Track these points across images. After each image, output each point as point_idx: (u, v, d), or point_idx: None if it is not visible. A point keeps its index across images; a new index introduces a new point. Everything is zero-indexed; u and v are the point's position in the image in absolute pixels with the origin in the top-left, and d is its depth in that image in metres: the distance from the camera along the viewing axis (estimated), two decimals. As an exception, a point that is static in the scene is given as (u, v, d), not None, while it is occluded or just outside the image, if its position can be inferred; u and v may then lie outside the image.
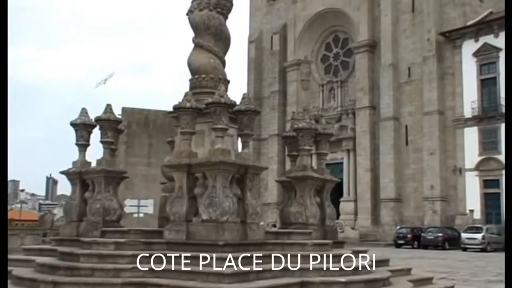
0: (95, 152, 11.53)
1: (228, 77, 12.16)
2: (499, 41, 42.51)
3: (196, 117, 10.03)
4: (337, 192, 46.06)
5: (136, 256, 8.76)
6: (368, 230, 47.07)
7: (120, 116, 15.59)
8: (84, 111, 11.25)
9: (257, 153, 57.67)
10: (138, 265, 8.54)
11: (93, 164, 11.11)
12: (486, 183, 42.63)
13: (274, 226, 30.72)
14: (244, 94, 10.24)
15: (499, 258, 29.17)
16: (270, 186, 54.19)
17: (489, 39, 43.23)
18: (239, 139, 10.66)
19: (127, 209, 22.24)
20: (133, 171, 24.31)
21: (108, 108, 11.04)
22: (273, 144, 56.89)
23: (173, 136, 11.82)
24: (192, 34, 12.20)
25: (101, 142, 11.00)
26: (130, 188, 24.01)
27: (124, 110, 25.89)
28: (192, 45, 12.13)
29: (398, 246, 39.54)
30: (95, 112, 11.18)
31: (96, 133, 11.26)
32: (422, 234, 39.69)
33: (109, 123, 10.91)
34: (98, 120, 10.91)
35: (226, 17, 12.06)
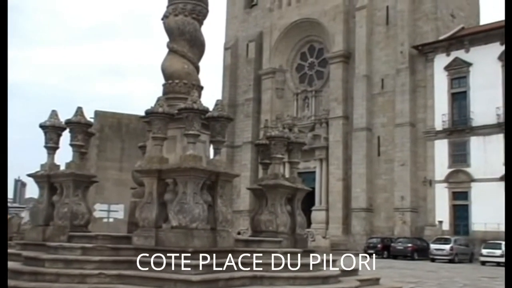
0: (65, 155, 11.38)
1: (203, 83, 12.13)
2: (470, 56, 43.32)
3: (168, 123, 9.96)
4: (309, 201, 46.24)
5: (103, 262, 8.64)
6: (339, 240, 47.30)
7: (92, 119, 15.42)
8: (54, 113, 11.10)
9: (231, 160, 57.57)
10: (105, 271, 8.41)
11: (62, 168, 10.96)
12: (455, 195, 43.24)
13: (239, 233, 30.61)
14: (217, 100, 10.23)
15: (466, 269, 29.57)
16: (242, 193, 54.12)
17: (460, 53, 43.97)
18: (211, 146, 10.63)
19: (97, 214, 21.98)
20: (105, 175, 24.06)
21: (79, 111, 10.91)
22: (246, 151, 56.90)
23: (145, 141, 11.74)
24: (167, 39, 12.15)
25: (71, 145, 10.86)
26: (101, 192, 23.75)
27: (97, 113, 25.64)
28: (167, 50, 12.08)
29: (369, 255, 39.80)
30: (67, 115, 11.05)
31: (66, 136, 11.12)
32: (392, 244, 40.02)
33: (79, 126, 10.77)
34: (68, 122, 10.78)
35: (201, 23, 12.04)
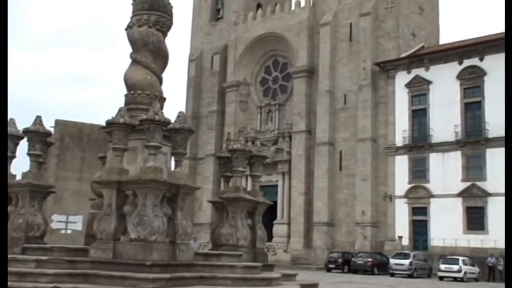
0: (23, 165, 11.14)
1: (167, 95, 12.06)
2: (430, 74, 44.26)
3: (129, 134, 9.87)
4: (271, 214, 46.27)
5: (58, 275, 8.45)
6: (300, 254, 47.40)
7: (52, 129, 15.13)
8: (11, 122, 10.86)
9: (193, 172, 57.26)
10: (59, 284, 8.23)
11: (18, 177, 10.72)
12: (414, 210, 43.86)
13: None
14: (180, 112, 10.19)
15: (424, 284, 29.96)
16: (204, 206, 53.81)
17: (421, 71, 44.87)
18: (173, 158, 10.56)
19: (54, 225, 21.55)
20: (64, 186, 23.64)
21: (38, 119, 10.72)
22: (209, 163, 56.68)
23: (106, 151, 11.59)
24: (130, 49, 12.06)
25: (28, 154, 10.65)
26: (59, 203, 23.30)
27: (58, 122, 25.21)
28: (130, 61, 11.99)
29: (329, 270, 39.96)
30: (27, 124, 10.83)
31: (23, 145, 10.90)
32: (353, 259, 40.24)
33: (37, 135, 10.58)
34: (26, 131, 10.57)
35: (165, 35, 12.00)
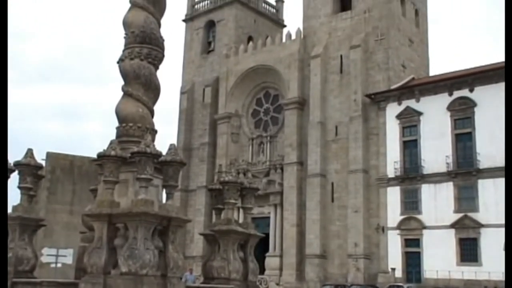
0: (13, 198, 11.06)
1: (159, 127, 12.09)
2: (420, 105, 44.58)
3: (120, 166, 9.85)
4: (263, 246, 45.95)
5: (47, 309, 8.32)
6: (293, 286, 46.91)
7: (43, 161, 15.06)
8: (2, 155, 10.80)
9: (185, 204, 56.95)
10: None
11: (9, 210, 10.63)
12: (407, 242, 43.65)
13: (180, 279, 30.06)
14: (171, 145, 10.20)
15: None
16: (196, 239, 53.40)
17: (411, 103, 45.20)
18: (164, 190, 10.53)
19: (44, 259, 21.28)
20: (54, 219, 23.45)
21: (29, 152, 10.70)
22: (200, 196, 56.44)
23: (97, 184, 11.54)
24: (122, 82, 12.12)
25: (19, 187, 10.58)
26: (49, 236, 23.08)
27: (49, 155, 25.13)
28: (122, 93, 12.03)
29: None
30: (18, 156, 10.79)
31: (14, 178, 10.83)
32: (345, 291, 39.89)
33: (28, 168, 10.54)
34: (17, 164, 10.53)
35: (157, 68, 12.09)
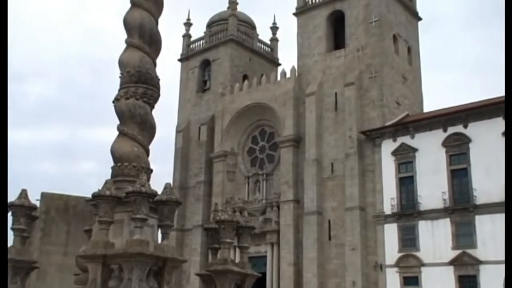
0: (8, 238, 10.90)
1: (155, 166, 12.05)
2: (415, 141, 44.71)
3: (115, 206, 9.77)
4: (260, 286, 45.32)
5: None
6: (291, 326, 46.13)
7: (38, 201, 14.94)
8: (-5, 196, 10.70)
9: (181, 244, 56.43)
10: None
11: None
12: (405, 280, 43.14)
13: None
14: (166, 184, 10.14)
15: None
16: (192, 279, 52.67)
17: (406, 139, 45.33)
18: (159, 230, 10.42)
19: (37, 302, 20.88)
20: (48, 260, 23.11)
21: (23, 193, 10.61)
22: (196, 235, 55.95)
23: (92, 224, 11.42)
24: (117, 121, 12.12)
25: (12, 229, 10.46)
26: (43, 278, 22.71)
27: (44, 195, 24.92)
28: (117, 132, 12.02)
29: None
30: (12, 197, 10.69)
31: (8, 219, 10.70)
32: (344, 331, 39.24)
33: (22, 209, 10.44)
34: (11, 205, 10.42)
35: (152, 107, 12.12)
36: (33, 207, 10.88)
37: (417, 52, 55.69)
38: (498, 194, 35.72)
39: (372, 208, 46.00)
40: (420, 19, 56.93)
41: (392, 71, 50.46)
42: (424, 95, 55.40)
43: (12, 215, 10.50)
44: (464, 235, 40.88)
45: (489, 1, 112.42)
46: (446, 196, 42.07)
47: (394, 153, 45.53)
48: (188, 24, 66.05)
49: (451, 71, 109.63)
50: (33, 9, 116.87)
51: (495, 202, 37.02)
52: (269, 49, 66.98)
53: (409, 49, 54.08)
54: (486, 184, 39.81)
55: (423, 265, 41.90)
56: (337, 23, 53.28)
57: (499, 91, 35.51)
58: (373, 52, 49.64)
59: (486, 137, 40.70)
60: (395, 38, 51.83)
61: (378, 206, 45.45)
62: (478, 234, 40.03)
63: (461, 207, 41.34)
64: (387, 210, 44.67)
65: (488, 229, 38.90)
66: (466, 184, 41.86)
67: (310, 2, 55.18)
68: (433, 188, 42.51)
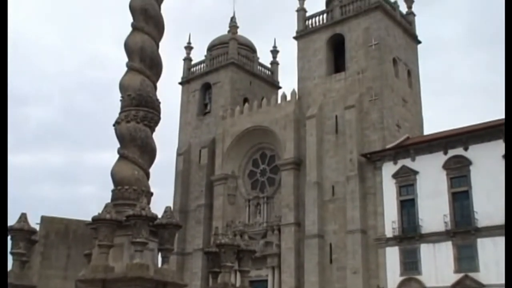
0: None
1: (155, 189, 12.03)
2: (416, 164, 44.65)
3: (115, 230, 9.74)
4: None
5: None
6: None
7: (37, 225, 14.89)
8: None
9: (181, 268, 56.04)
10: None
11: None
12: (408, 303, 42.77)
13: None
14: (167, 207, 10.12)
15: None
16: (192, 303, 52.26)
17: (407, 162, 45.28)
18: (160, 254, 10.37)
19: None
20: (47, 285, 22.91)
21: (23, 217, 10.58)
22: (197, 259, 55.60)
23: (92, 248, 11.36)
24: (118, 145, 12.13)
25: (11, 253, 10.39)
26: (42, 303, 22.50)
27: (43, 218, 24.81)
28: (117, 156, 12.03)
29: None
30: (11, 221, 10.65)
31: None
32: None
33: (21, 233, 10.40)
34: (10, 229, 10.37)
35: (153, 130, 12.15)
36: (33, 231, 10.84)
37: (417, 75, 55.97)
38: (499, 217, 35.51)
39: (373, 231, 45.78)
40: (419, 42, 57.33)
41: (392, 94, 50.64)
42: (424, 117, 55.56)
43: (12, 239, 10.45)
44: (466, 259, 40.60)
45: (487, 25, 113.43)
46: (448, 219, 41.89)
47: (395, 175, 45.45)
48: (189, 48, 66.52)
49: (451, 93, 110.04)
50: (34, 34, 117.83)
51: (497, 225, 36.82)
52: (269, 72, 67.34)
53: (409, 72, 54.35)
54: (487, 207, 39.68)
55: (426, 288, 41.51)
56: (337, 46, 53.64)
57: (499, 114, 35.57)
58: (373, 75, 49.88)
59: (486, 160, 40.67)
60: (395, 61, 52.13)
61: (380, 229, 45.23)
62: (480, 258, 39.75)
63: (463, 230, 41.12)
64: (389, 233, 44.43)
65: (490, 252, 38.64)
66: (468, 207, 41.71)
67: (310, 26, 55.62)
68: (434, 211, 42.34)
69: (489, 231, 39.15)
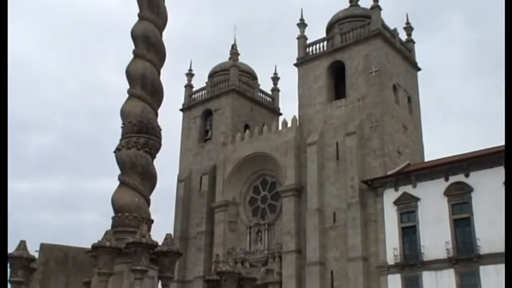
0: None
1: (156, 216, 11.99)
2: (417, 191, 44.53)
3: (115, 257, 9.67)
4: None
5: None
6: None
7: (37, 253, 14.81)
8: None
9: (181, 295, 55.49)
10: None
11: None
12: (410, 332, 42.25)
13: None
14: (167, 234, 10.06)
15: None
16: (192, 332, 51.65)
17: (408, 189, 45.16)
18: (160, 282, 10.28)
19: None
20: (45, 314, 22.66)
21: (22, 244, 10.51)
22: (198, 286, 55.02)
23: (91, 276, 11.26)
24: (118, 171, 12.11)
25: (10, 281, 10.30)
26: (40, 331, 22.23)
27: (43, 246, 24.67)
28: (118, 182, 12.00)
29: None
30: (11, 249, 10.57)
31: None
32: None
33: (20, 261, 10.33)
34: (9, 257, 10.29)
35: (154, 157, 12.15)
36: (32, 259, 10.77)
37: (417, 102, 56.17)
38: (501, 244, 35.15)
39: (375, 258, 45.44)
40: (419, 69, 57.68)
41: (392, 121, 50.76)
42: (424, 144, 55.59)
43: (10, 267, 10.37)
44: (468, 286, 40.23)
45: (487, 53, 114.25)
46: (450, 246, 41.61)
47: (396, 202, 45.30)
48: (190, 75, 66.94)
49: (451, 120, 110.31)
50: (35, 60, 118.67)
51: (499, 252, 36.48)
52: (270, 99, 67.63)
53: (409, 99, 54.56)
54: (490, 234, 39.44)
55: (428, 317, 41.06)
56: (338, 73, 53.96)
57: (500, 141, 35.59)
58: (373, 101, 50.05)
59: (487, 186, 40.57)
60: (395, 88, 52.38)
61: (381, 256, 44.89)
62: (483, 285, 39.39)
63: (465, 257, 40.82)
64: (390, 260, 44.09)
65: (493, 280, 38.28)
66: (469, 233, 41.46)
67: (310, 53, 56.01)
68: (436, 238, 42.09)
69: (492, 258, 38.85)
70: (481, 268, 39.80)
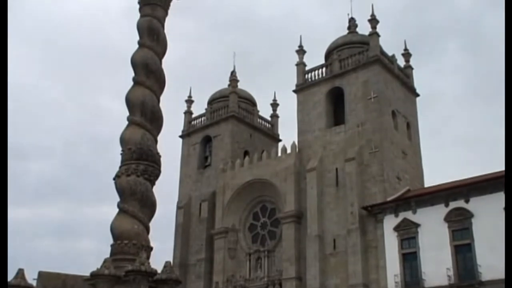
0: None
1: (155, 243, 11.93)
2: (417, 217, 44.34)
3: (114, 285, 9.60)
4: None
5: None
6: None
7: (34, 281, 14.70)
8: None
9: (180, 324, 54.87)
10: None
11: None
12: None
13: None
14: (166, 262, 10.01)
15: None
16: None
17: (408, 214, 44.96)
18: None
19: None
20: None
21: (20, 273, 10.45)
22: (197, 314, 54.57)
23: (89, 304, 11.16)
24: (117, 199, 12.08)
25: (8, 310, 10.19)
26: None
27: (41, 274, 24.50)
28: (117, 210, 11.97)
29: None
30: (9, 277, 10.50)
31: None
32: None
33: (18, 290, 10.23)
34: (8, 286, 10.21)
35: (153, 184, 12.15)
36: (30, 287, 10.68)
37: (416, 127, 56.32)
38: (502, 270, 34.99)
39: (375, 285, 45.06)
40: (418, 95, 57.97)
41: (392, 146, 50.82)
42: (424, 170, 55.54)
43: (9, 295, 10.26)
44: (471, 313, 39.81)
45: (486, 79, 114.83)
46: (451, 273, 41.29)
47: (397, 228, 45.08)
48: (189, 101, 67.23)
49: (451, 146, 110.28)
50: (35, 88, 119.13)
51: (501, 278, 36.00)
52: (269, 125, 67.81)
53: (408, 125, 54.71)
54: (491, 260, 39.13)
55: None
56: (337, 99, 54.19)
57: (500, 166, 35.58)
58: (372, 127, 50.17)
59: (488, 212, 40.41)
60: (394, 113, 52.55)
61: (382, 283, 44.51)
62: (485, 312, 38.99)
63: (467, 284, 40.47)
64: (391, 287, 43.71)
65: (496, 307, 37.92)
66: (471, 259, 41.18)
67: (309, 79, 56.34)
68: (437, 264, 41.78)
69: (493, 285, 38.48)
70: (483, 294, 39.46)
